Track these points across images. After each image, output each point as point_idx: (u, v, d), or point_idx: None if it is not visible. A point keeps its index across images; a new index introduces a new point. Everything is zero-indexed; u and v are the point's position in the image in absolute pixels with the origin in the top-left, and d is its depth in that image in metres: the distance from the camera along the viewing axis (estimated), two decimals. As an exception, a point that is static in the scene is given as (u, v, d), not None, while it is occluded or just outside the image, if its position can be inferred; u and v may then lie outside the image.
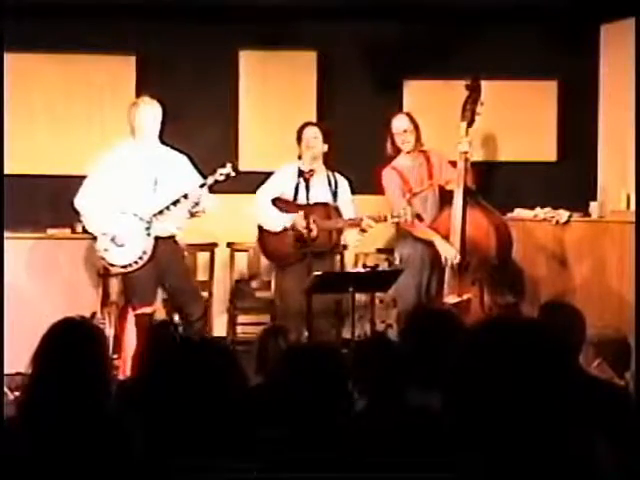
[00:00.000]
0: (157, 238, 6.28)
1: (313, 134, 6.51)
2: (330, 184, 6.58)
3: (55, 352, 2.98)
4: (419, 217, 6.35)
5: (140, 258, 6.24)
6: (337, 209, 6.56)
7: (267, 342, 4.43)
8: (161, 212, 6.23)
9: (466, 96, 6.61)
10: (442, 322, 3.87)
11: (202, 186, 6.22)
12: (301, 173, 6.31)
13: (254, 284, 7.82)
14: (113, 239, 6.24)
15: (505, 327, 2.34)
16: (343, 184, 6.66)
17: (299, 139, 6.53)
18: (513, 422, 2.21)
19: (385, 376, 3.26)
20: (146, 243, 6.25)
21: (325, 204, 6.49)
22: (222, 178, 6.25)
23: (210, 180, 6.23)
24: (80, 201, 6.30)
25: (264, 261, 7.23)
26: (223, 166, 6.27)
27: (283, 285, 6.57)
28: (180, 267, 6.54)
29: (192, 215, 6.33)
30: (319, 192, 6.44)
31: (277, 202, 6.49)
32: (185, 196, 6.21)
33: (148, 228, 6.25)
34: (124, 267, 6.28)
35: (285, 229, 6.44)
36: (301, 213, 6.32)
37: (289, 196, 6.50)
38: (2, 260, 6.00)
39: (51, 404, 2.87)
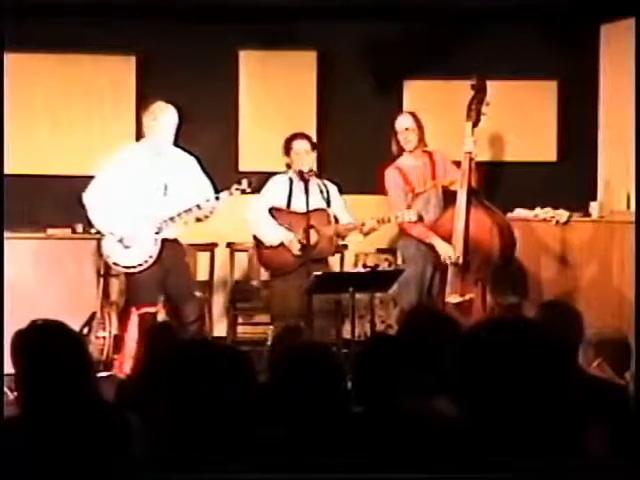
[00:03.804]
0: (163, 240, 6.30)
1: (303, 148, 6.51)
2: (322, 192, 6.60)
3: (27, 358, 2.99)
4: (420, 217, 6.35)
5: (146, 261, 6.26)
6: (335, 215, 6.57)
7: (281, 341, 4.42)
8: (172, 219, 6.26)
9: (471, 96, 6.61)
10: (439, 323, 3.87)
11: (217, 199, 6.24)
12: (301, 174, 6.32)
13: (254, 284, 7.81)
14: (121, 240, 6.25)
15: (504, 327, 2.34)
16: (333, 190, 6.68)
17: (287, 149, 6.53)
18: (514, 420, 2.21)
19: (385, 376, 3.26)
20: (153, 247, 6.27)
21: (323, 210, 6.50)
22: (237, 193, 6.28)
23: (224, 194, 6.25)
24: (89, 197, 6.31)
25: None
26: (239, 182, 6.29)
27: (280, 290, 6.55)
28: (182, 268, 6.55)
29: (198, 220, 6.35)
30: (313, 200, 6.43)
31: (274, 212, 6.49)
32: (198, 206, 6.23)
33: (157, 232, 6.26)
34: (128, 268, 6.29)
35: (282, 244, 6.46)
36: (295, 236, 6.31)
37: (282, 205, 6.51)
38: (2, 260, 6.00)
39: (37, 408, 2.88)
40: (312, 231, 6.33)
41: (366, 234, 6.43)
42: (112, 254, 6.31)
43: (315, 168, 6.64)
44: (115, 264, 6.36)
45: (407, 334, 3.94)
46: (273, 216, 6.52)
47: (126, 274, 6.49)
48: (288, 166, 6.58)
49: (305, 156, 6.49)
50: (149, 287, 6.32)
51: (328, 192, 6.64)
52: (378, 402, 3.20)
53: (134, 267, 6.28)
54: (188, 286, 6.60)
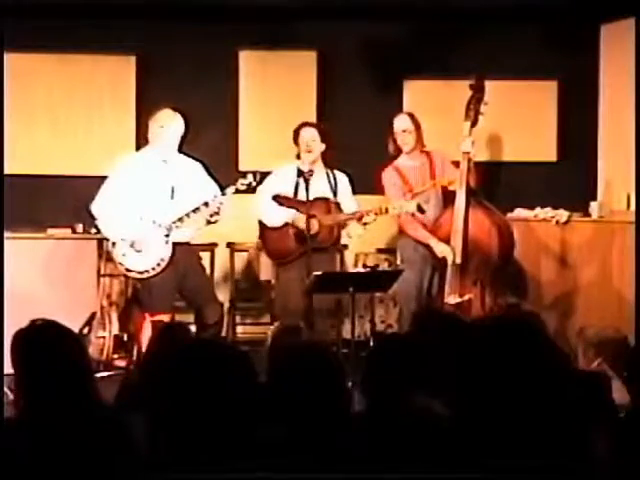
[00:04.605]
0: (174, 244, 6.30)
1: (311, 136, 6.52)
2: (330, 182, 6.61)
3: (25, 359, 2.99)
4: (420, 209, 6.32)
5: (158, 265, 6.25)
6: (337, 204, 6.57)
7: (280, 341, 4.42)
8: (181, 219, 6.26)
9: (470, 96, 6.62)
10: (446, 323, 3.88)
11: (223, 194, 6.24)
12: (301, 173, 6.33)
13: (254, 283, 7.81)
14: (132, 245, 6.25)
15: (496, 328, 2.34)
16: (343, 180, 6.68)
17: (296, 139, 6.55)
18: (510, 420, 2.21)
19: (387, 376, 3.26)
20: (164, 250, 6.27)
21: (326, 199, 6.50)
22: (243, 188, 6.28)
23: (231, 189, 6.25)
24: (97, 207, 6.32)
25: (264, 260, 7.22)
26: (244, 176, 6.30)
27: (284, 282, 6.56)
28: (198, 271, 6.54)
29: (208, 222, 6.35)
30: (319, 189, 6.45)
31: (278, 198, 6.49)
32: (206, 204, 6.23)
33: (167, 235, 6.26)
34: (141, 273, 6.29)
35: (286, 224, 6.45)
36: (301, 214, 6.32)
37: (289, 195, 6.51)
38: (2, 260, 6.00)
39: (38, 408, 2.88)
40: (313, 220, 6.32)
41: (365, 224, 6.42)
42: (124, 260, 6.30)
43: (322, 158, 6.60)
44: (128, 270, 6.35)
45: (417, 334, 3.95)
46: (277, 202, 6.51)
47: (139, 280, 6.47)
48: (298, 156, 6.57)
49: (312, 143, 6.48)
50: (164, 293, 6.30)
51: (336, 182, 6.63)
52: (383, 401, 3.20)
53: (147, 272, 6.27)
54: (207, 289, 6.61)
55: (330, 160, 6.65)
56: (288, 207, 6.46)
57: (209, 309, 6.42)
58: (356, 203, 6.65)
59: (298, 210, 6.40)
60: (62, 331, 3.07)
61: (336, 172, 6.68)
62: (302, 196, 6.36)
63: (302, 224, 6.30)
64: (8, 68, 7.17)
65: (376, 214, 6.33)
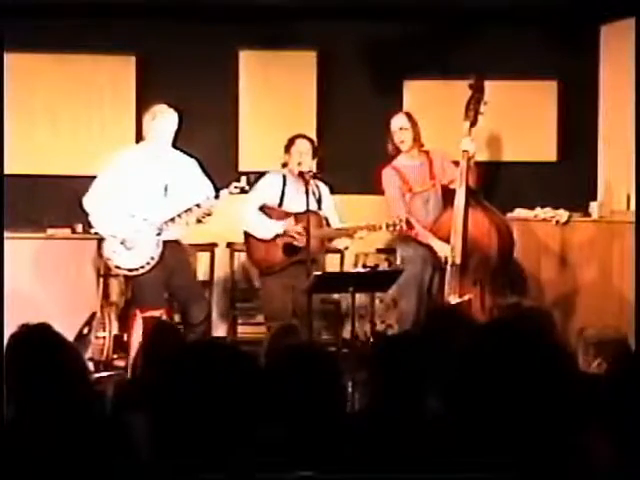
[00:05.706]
0: (165, 242, 6.30)
1: (306, 149, 6.50)
2: (314, 193, 6.57)
3: (18, 362, 2.99)
4: (408, 223, 6.30)
5: (148, 263, 6.27)
6: (327, 218, 6.57)
7: (277, 341, 4.42)
8: (172, 219, 6.26)
9: (469, 95, 6.63)
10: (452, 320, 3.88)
11: (216, 197, 6.24)
12: (301, 175, 6.31)
13: (253, 284, 7.81)
14: (122, 242, 6.26)
15: (500, 330, 2.34)
16: (325, 191, 6.67)
17: (288, 148, 6.52)
18: (513, 422, 2.21)
19: (389, 375, 3.26)
20: (155, 249, 6.28)
21: (316, 213, 6.48)
22: (237, 191, 6.28)
23: (224, 192, 6.25)
24: (89, 201, 6.32)
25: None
26: (238, 180, 6.30)
27: (271, 290, 6.53)
28: (186, 269, 6.56)
29: (199, 221, 6.36)
30: (305, 200, 6.42)
31: (266, 210, 6.49)
32: (198, 205, 6.24)
33: (158, 234, 6.27)
34: (131, 270, 6.30)
35: (277, 236, 6.44)
36: (292, 219, 6.32)
37: (274, 204, 6.50)
38: (2, 260, 6.00)
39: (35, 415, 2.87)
40: (304, 232, 6.29)
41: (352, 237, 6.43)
42: (114, 257, 6.31)
43: (314, 170, 6.61)
44: (117, 267, 6.36)
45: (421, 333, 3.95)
46: (265, 214, 6.51)
47: (129, 277, 6.48)
48: (284, 165, 6.57)
49: (305, 156, 6.47)
50: (153, 289, 6.32)
51: (320, 193, 6.62)
52: (383, 401, 3.21)
53: (136, 269, 6.29)
54: (194, 287, 6.61)
55: (320, 170, 6.65)
56: (278, 220, 6.45)
57: (195, 308, 6.42)
58: (337, 215, 6.63)
59: (290, 222, 6.39)
60: (52, 334, 3.07)
61: (318, 183, 6.66)
62: (290, 204, 6.40)
63: (295, 233, 6.31)
64: (8, 68, 7.17)
65: (369, 230, 6.32)
